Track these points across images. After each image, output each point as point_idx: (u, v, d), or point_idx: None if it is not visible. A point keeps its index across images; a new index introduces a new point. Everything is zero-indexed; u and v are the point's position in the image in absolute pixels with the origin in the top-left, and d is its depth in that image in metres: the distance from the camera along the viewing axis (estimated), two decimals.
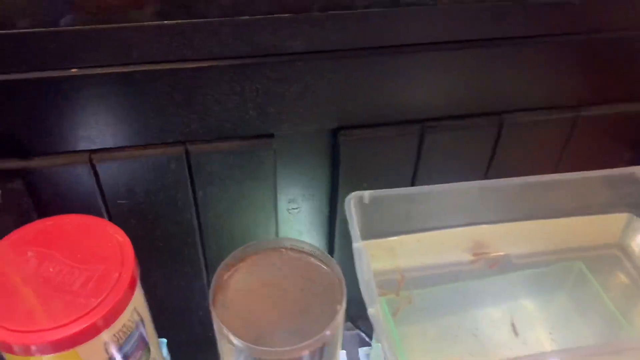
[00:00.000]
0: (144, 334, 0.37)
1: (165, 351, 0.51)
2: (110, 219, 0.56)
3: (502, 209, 0.55)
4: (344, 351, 0.62)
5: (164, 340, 0.52)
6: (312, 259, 0.40)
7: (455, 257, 0.56)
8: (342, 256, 0.67)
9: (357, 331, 0.71)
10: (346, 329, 0.64)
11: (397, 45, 0.50)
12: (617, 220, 0.58)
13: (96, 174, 0.52)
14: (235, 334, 0.35)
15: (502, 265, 0.55)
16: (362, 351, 0.66)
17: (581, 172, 0.54)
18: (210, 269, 0.65)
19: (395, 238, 0.55)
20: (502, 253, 0.56)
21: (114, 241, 0.35)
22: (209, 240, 0.61)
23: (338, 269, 0.39)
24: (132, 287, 0.34)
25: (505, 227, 0.56)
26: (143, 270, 0.62)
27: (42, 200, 0.51)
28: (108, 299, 0.32)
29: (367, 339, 0.74)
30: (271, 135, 0.54)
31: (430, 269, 0.55)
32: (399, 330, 0.51)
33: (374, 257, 0.55)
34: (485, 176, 0.61)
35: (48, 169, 0.51)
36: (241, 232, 0.61)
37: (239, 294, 0.38)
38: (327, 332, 0.35)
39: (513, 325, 0.52)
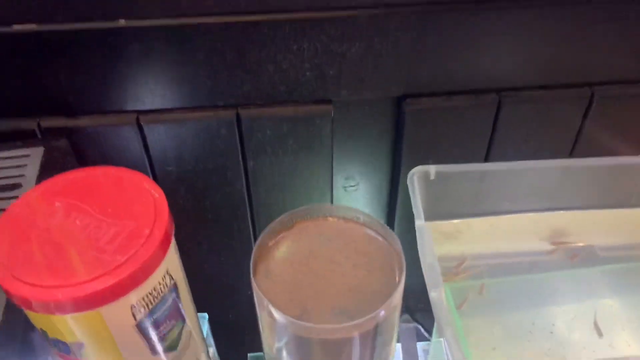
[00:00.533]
0: (178, 303, 0.34)
1: (206, 327, 0.48)
2: None
3: (587, 193, 0.49)
4: (400, 344, 0.56)
5: (205, 315, 0.49)
6: (368, 231, 0.35)
7: (530, 246, 0.50)
8: (402, 241, 0.61)
9: (415, 324, 0.65)
10: (403, 321, 0.58)
11: (476, 0, 0.44)
12: None
13: (143, 137, 0.50)
14: (277, 307, 0.30)
15: (585, 258, 0.49)
16: (420, 346, 0.61)
17: None
18: None
19: (463, 220, 0.50)
20: (585, 244, 0.50)
21: (148, 197, 0.32)
22: (259, 216, 0.58)
23: (397, 243, 0.34)
24: (164, 246, 0.30)
25: (590, 215, 0.50)
26: (192, 243, 0.60)
27: (87, 162, 0.49)
28: (136, 256, 0.28)
29: (425, 334, 0.68)
30: (329, 102, 0.49)
31: (502, 258, 0.50)
32: (463, 323, 0.46)
33: (438, 240, 0.49)
34: (570, 156, 0.54)
35: (94, 128, 0.49)
36: (293, 209, 0.57)
37: (283, 264, 0.33)
38: (382, 312, 0.30)
39: (596, 324, 0.45)
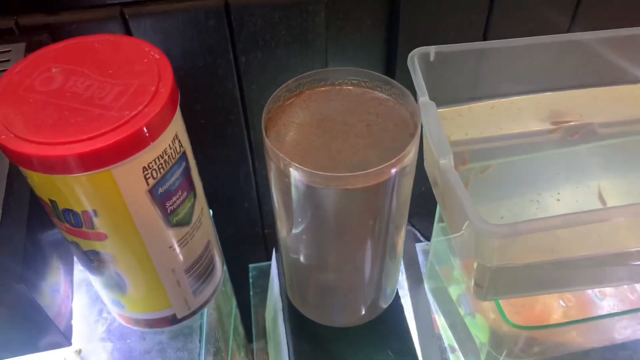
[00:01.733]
0: (189, 173, 0.33)
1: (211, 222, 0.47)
2: None
3: (586, 70, 0.48)
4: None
5: (210, 211, 0.48)
6: (378, 94, 0.34)
7: (532, 126, 0.49)
8: None
9: (411, 228, 0.66)
10: None
11: None
12: None
13: (129, 31, 0.47)
14: (294, 164, 0.29)
15: (585, 135, 0.49)
16: (418, 247, 0.62)
17: None
18: (256, 153, 0.60)
19: (464, 106, 0.49)
20: (585, 121, 0.49)
21: (149, 57, 0.30)
22: (253, 119, 0.56)
23: (410, 100, 0.33)
24: (171, 104, 0.29)
25: (589, 92, 0.50)
26: None
27: None
28: (144, 112, 0.27)
29: (421, 238, 0.69)
30: None
31: (504, 140, 0.49)
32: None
33: (443, 125, 0.49)
34: (569, 32, 0.53)
35: (76, 24, 0.46)
36: None
37: (295, 128, 0.32)
38: (398, 165, 0.30)
39: (600, 195, 0.46)
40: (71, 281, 0.40)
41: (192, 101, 0.53)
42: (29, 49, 0.42)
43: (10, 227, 0.32)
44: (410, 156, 0.31)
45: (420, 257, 0.61)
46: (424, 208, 0.52)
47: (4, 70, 0.39)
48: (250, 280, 0.65)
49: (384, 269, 0.38)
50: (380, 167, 0.29)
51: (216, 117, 0.55)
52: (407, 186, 0.33)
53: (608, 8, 0.52)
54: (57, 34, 0.46)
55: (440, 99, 0.48)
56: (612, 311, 0.50)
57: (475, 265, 0.40)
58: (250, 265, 0.66)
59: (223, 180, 0.62)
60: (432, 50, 0.45)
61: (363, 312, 0.42)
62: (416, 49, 0.44)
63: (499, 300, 0.44)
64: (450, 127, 0.49)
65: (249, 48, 0.50)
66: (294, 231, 0.34)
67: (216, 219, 0.57)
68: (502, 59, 0.47)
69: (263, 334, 0.62)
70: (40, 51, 0.31)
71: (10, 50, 0.42)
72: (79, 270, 0.41)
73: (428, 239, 0.59)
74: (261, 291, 0.64)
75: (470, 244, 0.39)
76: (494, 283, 0.41)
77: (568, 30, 0.53)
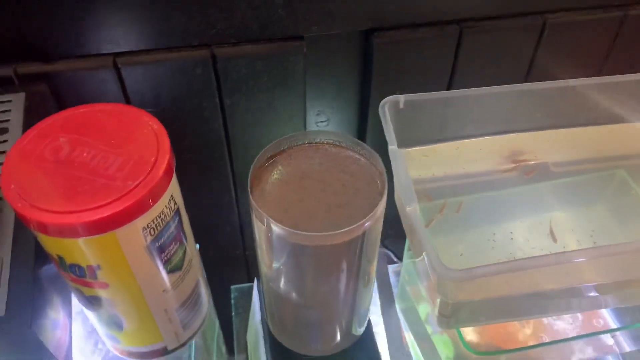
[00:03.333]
0: (181, 226, 0.36)
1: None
2: None
3: (542, 115, 0.53)
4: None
5: (197, 245, 0.52)
6: (351, 153, 0.38)
7: (492, 166, 0.54)
8: None
9: (385, 250, 0.70)
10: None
11: None
12: None
13: (121, 79, 0.51)
14: (274, 220, 0.33)
15: (540, 174, 0.53)
16: (391, 268, 0.66)
17: (627, 74, 0.51)
18: (239, 184, 0.64)
19: (431, 146, 0.54)
20: (540, 161, 0.54)
21: (149, 128, 0.34)
22: (236, 153, 0.60)
23: (379, 162, 0.37)
24: (169, 172, 0.32)
25: (544, 135, 0.54)
26: None
27: (67, 106, 0.50)
28: (145, 182, 0.31)
29: (394, 258, 0.73)
30: (301, 38, 0.51)
31: (466, 178, 0.54)
32: (434, 240, 0.50)
33: (409, 166, 0.53)
34: (525, 81, 0.58)
35: (72, 72, 0.49)
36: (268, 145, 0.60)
37: (277, 185, 0.36)
38: (367, 223, 0.34)
39: (551, 231, 0.50)
40: (69, 314, 0.44)
41: (181, 138, 0.57)
42: (29, 99, 0.45)
43: (20, 279, 0.35)
44: (378, 213, 0.35)
45: (393, 278, 0.65)
46: (397, 230, 0.57)
47: (6, 121, 0.43)
48: (232, 301, 0.68)
49: (357, 297, 0.42)
50: (349, 227, 0.33)
51: (202, 152, 0.59)
52: (377, 231, 0.38)
53: (563, 59, 0.57)
54: (53, 81, 0.49)
55: (409, 141, 0.52)
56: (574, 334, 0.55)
57: (438, 300, 0.44)
58: (232, 287, 0.69)
59: (207, 208, 0.65)
60: (401, 98, 0.49)
61: (338, 340, 0.46)
62: (387, 98, 0.48)
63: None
64: (418, 167, 0.53)
65: (234, 92, 0.54)
66: (274, 268, 0.38)
67: (199, 242, 0.60)
68: (465, 105, 0.51)
69: (244, 350, 0.66)
70: (49, 119, 0.34)
71: (11, 101, 0.45)
72: (75, 304, 0.44)
73: (401, 259, 0.63)
74: (243, 311, 0.67)
75: (434, 282, 0.44)
76: (456, 314, 0.46)
77: (526, 77, 0.58)
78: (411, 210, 0.42)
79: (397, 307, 0.62)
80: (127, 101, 0.52)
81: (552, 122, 0.54)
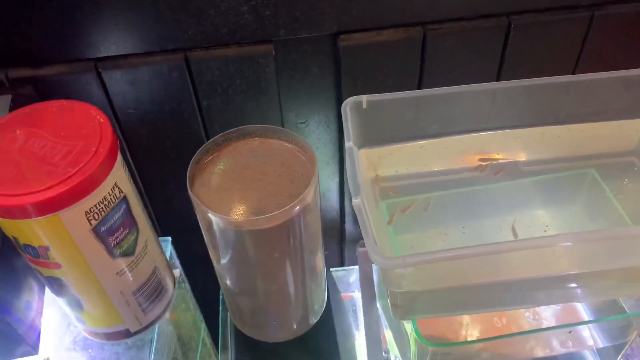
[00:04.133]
0: (131, 213, 0.39)
1: (169, 249, 0.54)
2: (120, 128, 0.58)
3: (512, 114, 0.53)
4: (357, 267, 0.63)
5: (169, 238, 0.55)
6: (290, 146, 0.41)
7: (459, 164, 0.55)
8: None
9: None
10: (360, 246, 0.65)
11: None
12: (635, 125, 0.55)
13: (103, 83, 0.54)
14: (210, 209, 0.36)
15: (509, 172, 0.54)
16: (375, 268, 0.67)
17: (596, 73, 0.51)
18: None
19: (396, 145, 0.55)
20: (509, 160, 0.55)
21: (95, 121, 0.37)
22: None
23: (312, 155, 0.39)
24: (109, 160, 0.36)
25: (514, 133, 0.55)
26: (159, 181, 0.65)
27: None
28: (85, 168, 0.34)
29: None
30: (269, 42, 0.54)
31: (432, 176, 0.55)
32: (398, 237, 0.52)
33: (372, 163, 0.55)
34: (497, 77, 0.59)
35: (57, 76, 0.53)
36: None
37: (219, 176, 0.39)
38: (296, 208, 0.36)
39: (513, 228, 0.51)
40: (43, 298, 0.47)
41: (163, 138, 0.60)
42: (14, 101, 0.50)
43: None
44: (308, 199, 0.37)
45: (375, 276, 0.67)
46: None
47: None
48: (220, 296, 0.71)
49: (307, 288, 0.44)
50: (277, 212, 0.35)
51: (184, 152, 0.62)
52: (313, 220, 0.40)
53: (532, 60, 0.58)
54: (40, 85, 0.53)
55: (375, 140, 0.54)
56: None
57: (387, 289, 0.46)
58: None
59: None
60: (363, 99, 0.51)
61: (295, 327, 0.48)
62: (348, 99, 0.50)
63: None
64: (383, 165, 0.54)
65: (209, 94, 0.57)
66: (221, 262, 0.41)
67: (188, 240, 0.63)
68: (431, 105, 0.52)
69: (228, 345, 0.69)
70: (12, 114, 0.38)
71: None
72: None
73: None
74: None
75: (379, 270, 0.45)
76: (407, 305, 0.47)
77: (497, 77, 0.59)
78: (357, 202, 0.43)
79: (378, 304, 0.64)
80: (110, 103, 0.56)
81: (521, 121, 0.55)
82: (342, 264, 0.82)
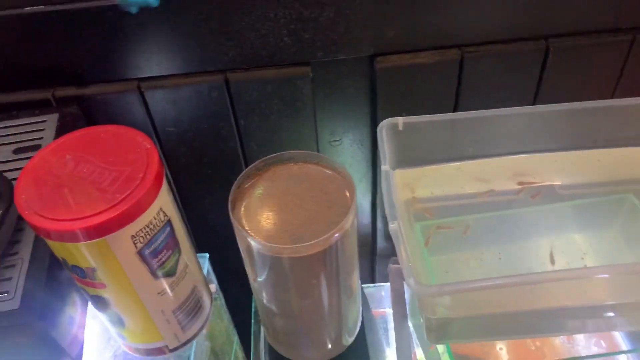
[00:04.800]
0: (173, 236, 0.40)
1: (207, 265, 0.55)
2: (160, 145, 0.60)
3: (549, 137, 0.53)
4: (389, 284, 0.63)
5: (206, 254, 0.56)
6: (328, 172, 0.41)
7: (495, 187, 0.55)
8: None
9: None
10: (392, 262, 0.65)
11: None
12: None
13: (145, 102, 0.56)
14: (250, 234, 0.37)
15: (546, 196, 0.53)
16: (406, 285, 0.67)
17: (636, 97, 0.51)
18: None
19: (432, 166, 0.55)
20: (546, 183, 0.54)
21: (142, 147, 0.38)
22: None
23: (351, 182, 0.40)
24: (155, 186, 0.37)
25: (552, 157, 0.54)
26: (195, 197, 0.67)
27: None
28: (132, 195, 0.35)
29: None
30: (307, 63, 0.55)
31: (468, 198, 0.55)
32: (433, 259, 0.52)
33: (408, 185, 0.55)
34: (533, 104, 0.59)
35: (101, 95, 0.55)
36: None
37: (258, 200, 0.40)
38: (335, 236, 0.37)
39: (551, 254, 0.51)
40: (86, 312, 0.49)
41: (200, 156, 0.62)
42: (61, 119, 0.52)
43: (35, 275, 0.41)
44: (346, 226, 0.38)
45: (407, 295, 0.67)
46: None
47: (40, 139, 0.49)
48: (253, 310, 0.72)
49: (342, 308, 0.45)
50: (317, 240, 0.36)
51: (221, 168, 0.63)
52: (351, 245, 0.40)
53: (571, 83, 0.58)
54: (85, 103, 0.55)
55: (410, 161, 0.54)
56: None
57: (423, 314, 0.46)
58: (254, 297, 0.73)
59: (229, 221, 0.70)
60: (400, 121, 0.51)
61: (329, 347, 0.48)
62: (384, 121, 0.50)
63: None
64: (417, 186, 0.54)
65: (247, 114, 0.58)
66: (258, 281, 0.42)
67: (222, 254, 0.65)
68: (468, 127, 0.53)
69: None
70: (61, 139, 0.39)
71: (45, 121, 0.51)
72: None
73: None
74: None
75: (414, 296, 0.45)
76: (441, 330, 0.47)
77: (534, 100, 0.59)
78: (394, 227, 0.44)
79: (410, 323, 0.63)
80: (151, 121, 0.57)
81: (558, 144, 0.54)
82: (373, 280, 0.82)
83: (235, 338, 0.67)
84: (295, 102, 0.57)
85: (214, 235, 0.70)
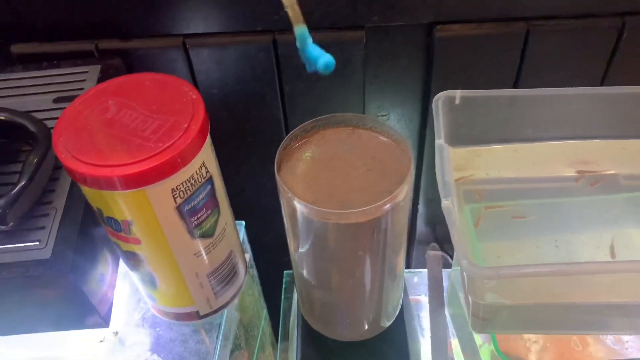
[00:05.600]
0: (214, 194, 0.38)
1: (242, 232, 0.53)
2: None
3: (615, 122, 0.49)
4: (427, 270, 0.60)
5: (242, 222, 0.54)
6: (384, 138, 0.38)
7: (553, 172, 0.51)
8: (431, 168, 0.64)
9: (443, 253, 0.69)
10: (431, 249, 0.62)
11: None
12: None
13: (189, 59, 0.54)
14: (296, 196, 0.34)
15: (607, 185, 0.50)
16: (445, 273, 0.65)
17: None
18: None
19: (486, 146, 0.52)
20: (609, 172, 0.50)
21: (187, 97, 0.36)
22: None
23: (409, 150, 0.37)
24: (199, 139, 0.34)
25: (617, 144, 0.51)
26: (233, 165, 0.65)
27: None
28: (175, 145, 0.33)
29: (451, 262, 0.71)
30: (361, 28, 0.52)
31: (524, 182, 0.51)
32: (481, 244, 0.49)
33: (462, 165, 0.52)
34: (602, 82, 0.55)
35: (145, 50, 0.53)
36: None
37: (306, 162, 0.37)
38: (386, 206, 0.34)
39: (612, 247, 0.47)
40: (117, 271, 0.47)
41: (243, 121, 0.59)
42: (103, 71, 0.50)
43: (68, 227, 0.39)
44: (400, 198, 0.35)
45: (447, 283, 0.64)
46: None
47: (80, 89, 0.47)
48: (284, 285, 0.70)
49: (384, 288, 0.42)
50: (366, 207, 0.33)
51: (262, 136, 0.61)
52: (401, 219, 0.37)
53: None
54: (128, 57, 0.53)
55: (466, 139, 0.51)
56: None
57: (470, 299, 0.43)
58: (285, 272, 0.71)
59: (266, 192, 0.68)
60: (457, 94, 0.48)
61: (366, 328, 0.46)
62: (441, 93, 0.47)
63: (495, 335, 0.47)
64: (469, 166, 0.51)
65: (293, 79, 0.55)
66: (300, 250, 0.39)
67: (256, 226, 0.62)
68: (529, 106, 0.49)
69: (289, 336, 0.68)
70: (103, 84, 0.37)
71: (87, 72, 0.50)
72: (122, 263, 0.48)
73: None
74: (292, 296, 0.69)
75: (464, 279, 0.42)
76: (489, 318, 0.44)
77: (601, 82, 0.55)
78: (447, 204, 0.41)
79: (447, 312, 0.61)
80: (194, 81, 0.55)
81: (625, 131, 0.51)
82: (408, 266, 0.79)
83: (264, 312, 0.65)
84: (344, 70, 0.54)
85: (248, 207, 0.67)
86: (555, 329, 0.48)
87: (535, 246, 0.46)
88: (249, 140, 0.62)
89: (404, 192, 0.35)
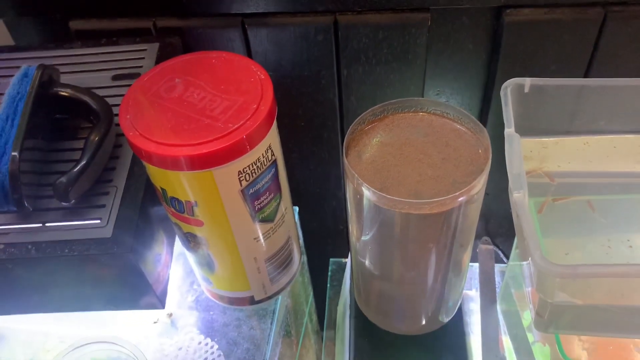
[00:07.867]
0: (277, 179, 0.37)
1: (296, 217, 0.52)
2: None
3: None
4: (478, 264, 0.58)
5: (296, 208, 0.53)
6: (458, 126, 0.37)
7: (627, 167, 0.49)
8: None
9: (494, 247, 0.66)
10: (482, 243, 0.60)
11: None
12: None
13: (247, 39, 0.53)
14: (366, 184, 0.33)
15: None
16: (497, 268, 0.63)
17: None
18: None
19: (555, 138, 0.49)
20: None
21: (256, 77, 0.35)
22: (348, 126, 0.60)
23: (486, 138, 0.35)
24: (268, 120, 0.33)
25: None
26: (283, 148, 0.63)
27: None
28: (244, 126, 0.32)
29: (503, 258, 0.69)
30: (427, 10, 0.50)
31: (595, 177, 0.49)
32: (547, 240, 0.46)
33: (528, 156, 0.49)
34: None
35: (203, 29, 0.52)
36: None
37: (376, 147, 0.36)
38: (461, 198, 0.32)
39: None
40: (171, 253, 0.47)
41: (296, 105, 0.58)
42: (161, 49, 0.49)
43: (128, 206, 0.38)
44: (475, 190, 0.33)
45: (498, 278, 0.62)
46: (509, 229, 0.53)
47: (139, 67, 0.46)
48: (329, 273, 0.69)
49: (447, 283, 0.41)
50: (439, 198, 0.31)
51: (315, 122, 0.60)
52: (473, 212, 0.36)
53: None
54: (186, 35, 0.52)
55: (534, 129, 0.49)
56: None
57: (538, 297, 0.41)
58: (331, 259, 0.70)
59: (315, 178, 0.66)
60: (527, 82, 0.45)
61: (424, 323, 0.44)
62: (511, 80, 0.45)
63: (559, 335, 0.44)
64: (535, 158, 0.49)
65: (352, 62, 0.54)
66: (363, 239, 0.38)
67: (303, 212, 0.61)
68: (601, 97, 0.47)
69: (334, 325, 0.67)
70: (169, 62, 0.36)
71: (146, 49, 0.49)
72: (178, 245, 0.47)
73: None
74: (337, 284, 0.68)
75: (534, 276, 0.40)
76: (555, 317, 0.42)
77: None
78: (519, 196, 0.39)
79: (499, 308, 0.59)
80: None
81: None
82: None
83: (310, 300, 0.65)
84: (406, 54, 0.52)
85: (297, 192, 0.66)
86: (619, 332, 0.46)
87: (607, 245, 0.44)
88: (301, 125, 0.60)
89: (481, 183, 0.33)
